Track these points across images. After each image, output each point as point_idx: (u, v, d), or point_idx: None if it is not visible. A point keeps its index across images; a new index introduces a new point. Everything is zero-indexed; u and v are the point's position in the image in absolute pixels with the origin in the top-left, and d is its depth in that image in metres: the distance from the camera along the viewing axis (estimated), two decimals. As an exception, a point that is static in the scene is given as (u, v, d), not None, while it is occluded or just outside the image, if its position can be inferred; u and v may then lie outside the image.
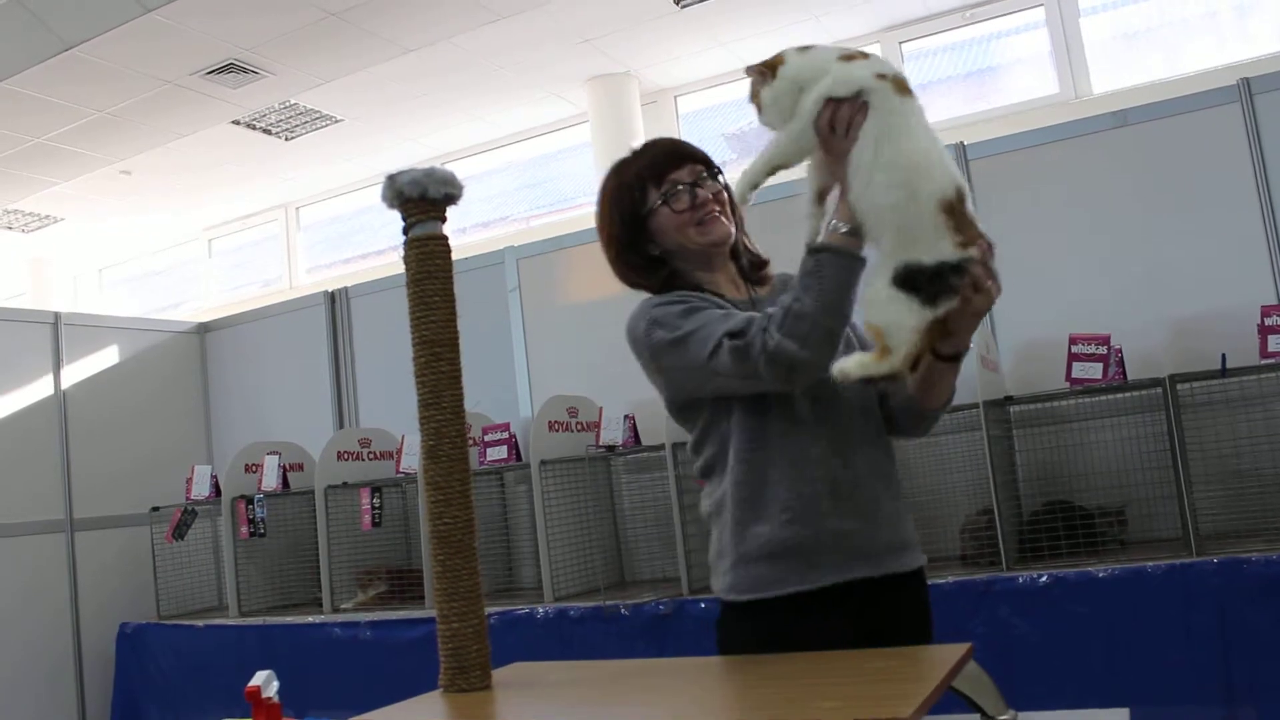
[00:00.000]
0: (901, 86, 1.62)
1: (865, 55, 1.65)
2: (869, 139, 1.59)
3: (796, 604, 1.74)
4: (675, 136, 1.96)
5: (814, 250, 1.66)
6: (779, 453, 1.78)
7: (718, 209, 1.88)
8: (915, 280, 1.56)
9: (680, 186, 1.86)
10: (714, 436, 1.84)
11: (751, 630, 1.78)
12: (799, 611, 1.74)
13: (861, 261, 1.65)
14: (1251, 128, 3.62)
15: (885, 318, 1.57)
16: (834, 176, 1.67)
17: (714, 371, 1.72)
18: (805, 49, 1.68)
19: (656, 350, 1.80)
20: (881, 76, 1.61)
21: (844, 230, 1.65)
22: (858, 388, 1.81)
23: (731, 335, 1.69)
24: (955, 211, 1.56)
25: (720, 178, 1.91)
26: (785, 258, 1.89)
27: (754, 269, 1.97)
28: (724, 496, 1.82)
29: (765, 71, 1.67)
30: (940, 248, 1.56)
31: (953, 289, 1.57)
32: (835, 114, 1.61)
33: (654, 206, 1.87)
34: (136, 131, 7.84)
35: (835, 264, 1.64)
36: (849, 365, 1.61)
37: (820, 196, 1.69)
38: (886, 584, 1.80)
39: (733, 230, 1.90)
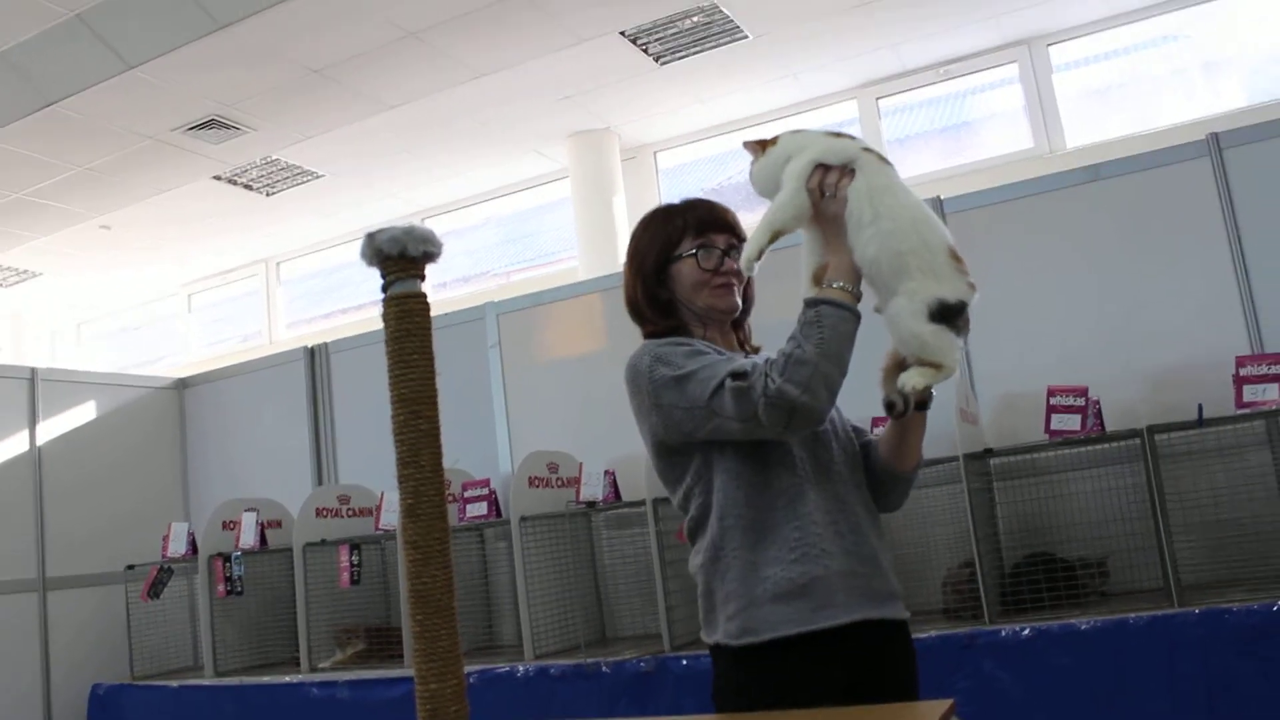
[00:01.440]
0: (883, 159, 1.78)
1: (852, 136, 1.81)
2: (862, 197, 1.72)
3: (806, 645, 1.74)
4: (720, 203, 2.02)
5: (812, 303, 1.73)
6: (778, 497, 1.79)
7: (736, 282, 1.95)
8: (946, 314, 1.69)
9: (714, 249, 1.93)
10: (703, 487, 1.84)
11: (756, 675, 1.76)
12: (806, 654, 1.74)
13: (858, 316, 1.73)
14: (1221, 182, 3.68)
15: (938, 341, 1.69)
16: (825, 242, 1.78)
17: (714, 412, 1.74)
18: (797, 131, 1.84)
19: (658, 386, 1.81)
20: (867, 150, 1.78)
21: (840, 286, 1.73)
22: (844, 437, 1.90)
23: (735, 376, 1.72)
24: (957, 256, 1.72)
25: None
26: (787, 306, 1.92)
27: (750, 347, 2.03)
28: (723, 544, 1.81)
29: (760, 146, 1.84)
30: (958, 287, 1.70)
31: (967, 323, 1.72)
32: (824, 177, 1.75)
33: (684, 254, 1.93)
34: (117, 186, 7.85)
35: (834, 315, 1.70)
36: (911, 379, 1.70)
37: (817, 278, 1.78)
38: (885, 629, 1.81)
39: (739, 304, 1.97)
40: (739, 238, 1.97)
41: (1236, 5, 6.97)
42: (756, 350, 2.03)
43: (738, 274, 1.93)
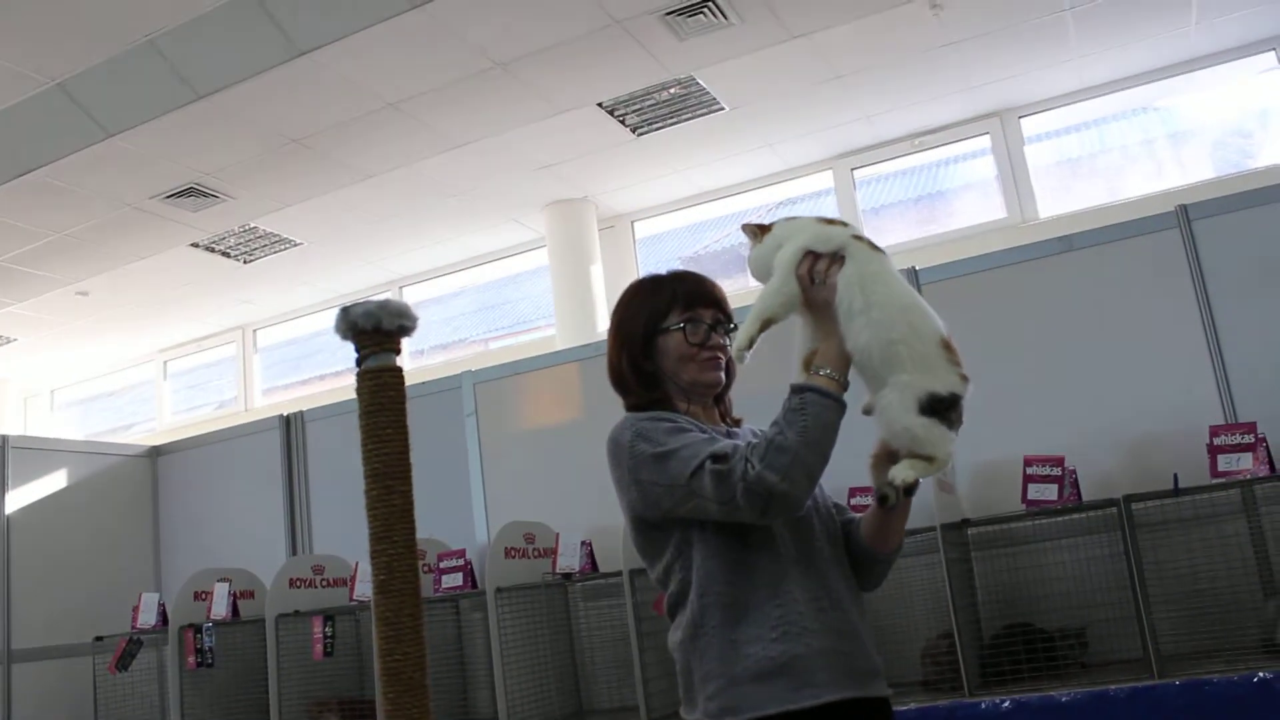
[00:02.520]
0: (874, 246, 1.78)
1: (844, 223, 1.82)
2: (853, 285, 1.73)
3: None
4: (708, 277, 2.03)
5: (798, 389, 1.73)
6: (760, 574, 1.77)
7: (720, 357, 1.95)
8: (938, 407, 1.69)
9: (701, 323, 1.93)
10: (683, 563, 1.82)
11: None
12: None
13: (843, 406, 1.73)
14: (1191, 253, 3.74)
15: (929, 435, 1.68)
16: (815, 328, 1.79)
17: (693, 492, 1.73)
18: (790, 218, 1.86)
19: (638, 463, 1.80)
20: (857, 238, 1.78)
21: (826, 373, 1.73)
22: (825, 513, 1.90)
23: (715, 459, 1.71)
24: (950, 346, 1.72)
25: (732, 336, 1.97)
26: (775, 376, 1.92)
27: (731, 420, 2.03)
28: (703, 621, 1.79)
29: (757, 231, 1.87)
30: (950, 379, 1.70)
31: (960, 416, 1.72)
32: (814, 264, 1.77)
33: (671, 327, 1.93)
34: (95, 253, 7.83)
35: (819, 404, 1.70)
36: (902, 471, 1.70)
37: (806, 364, 1.78)
38: (867, 707, 1.79)
39: (724, 379, 1.96)
40: (725, 313, 1.97)
41: (1202, 79, 7.12)
42: (737, 423, 2.02)
43: (723, 349, 1.94)
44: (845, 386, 1.74)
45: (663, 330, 1.94)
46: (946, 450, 1.70)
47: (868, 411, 1.78)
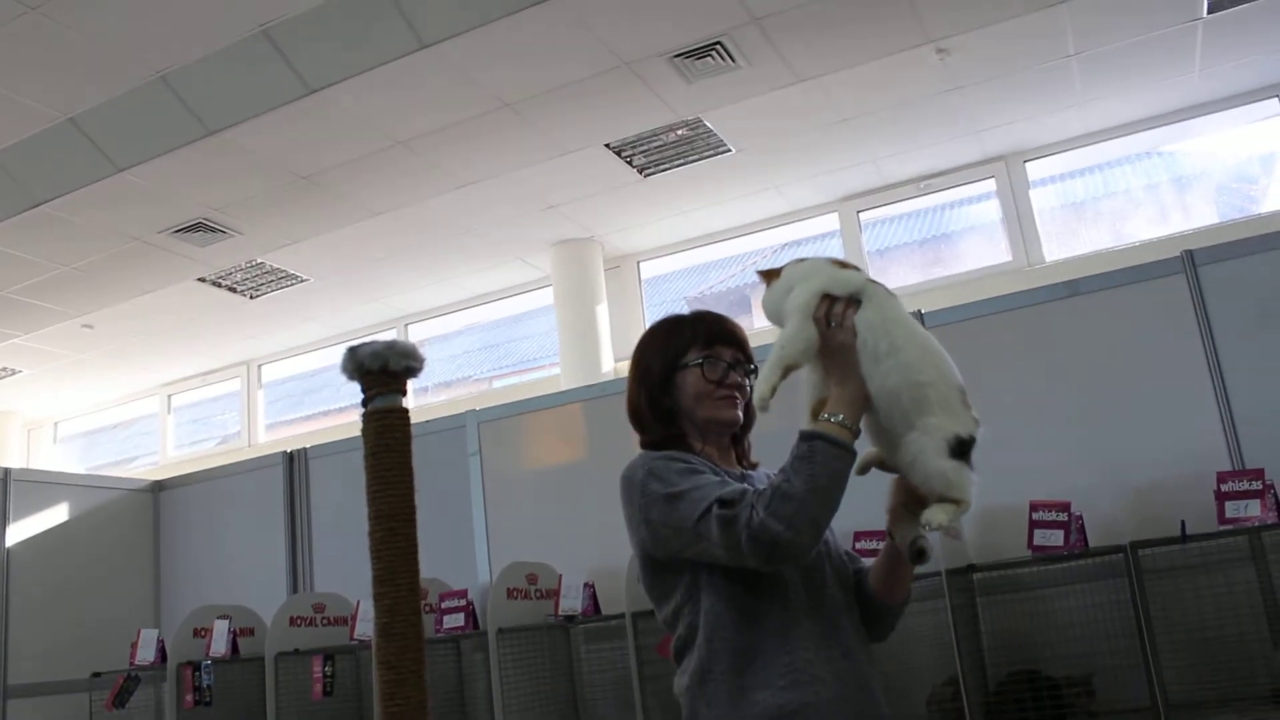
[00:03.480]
0: (889, 292, 1.78)
1: (856, 267, 1.81)
2: (875, 328, 1.71)
3: None
4: (728, 317, 2.02)
5: (807, 436, 1.70)
6: (769, 620, 1.76)
7: (738, 396, 1.94)
8: (963, 450, 1.68)
9: (720, 361, 1.93)
10: (692, 606, 1.81)
11: None
12: None
13: (853, 454, 1.70)
14: (1197, 298, 3.73)
15: (959, 478, 1.68)
16: (829, 373, 1.76)
17: (700, 535, 1.72)
18: (801, 260, 1.84)
19: (649, 502, 1.79)
20: (873, 282, 1.77)
21: (838, 420, 1.70)
22: (837, 558, 1.89)
23: (722, 503, 1.70)
24: (964, 391, 1.73)
25: (752, 376, 1.96)
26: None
27: (749, 464, 2.01)
28: (710, 666, 1.77)
29: (771, 275, 1.84)
30: (968, 422, 1.70)
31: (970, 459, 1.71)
32: (830, 308, 1.74)
33: (690, 364, 1.93)
34: (102, 286, 7.85)
35: (828, 452, 1.67)
36: (936, 515, 1.69)
37: (816, 411, 1.75)
38: None
39: (740, 418, 1.95)
40: (745, 353, 1.96)
41: (1206, 125, 7.16)
42: (754, 466, 2.01)
43: (741, 388, 1.93)
44: (856, 434, 1.72)
45: (681, 366, 1.93)
46: (972, 493, 1.70)
47: (863, 471, 1.76)
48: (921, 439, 1.68)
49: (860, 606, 1.90)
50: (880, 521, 1.85)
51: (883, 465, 1.80)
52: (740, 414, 1.95)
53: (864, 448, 1.77)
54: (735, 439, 1.99)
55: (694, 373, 1.92)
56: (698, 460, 1.85)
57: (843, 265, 1.80)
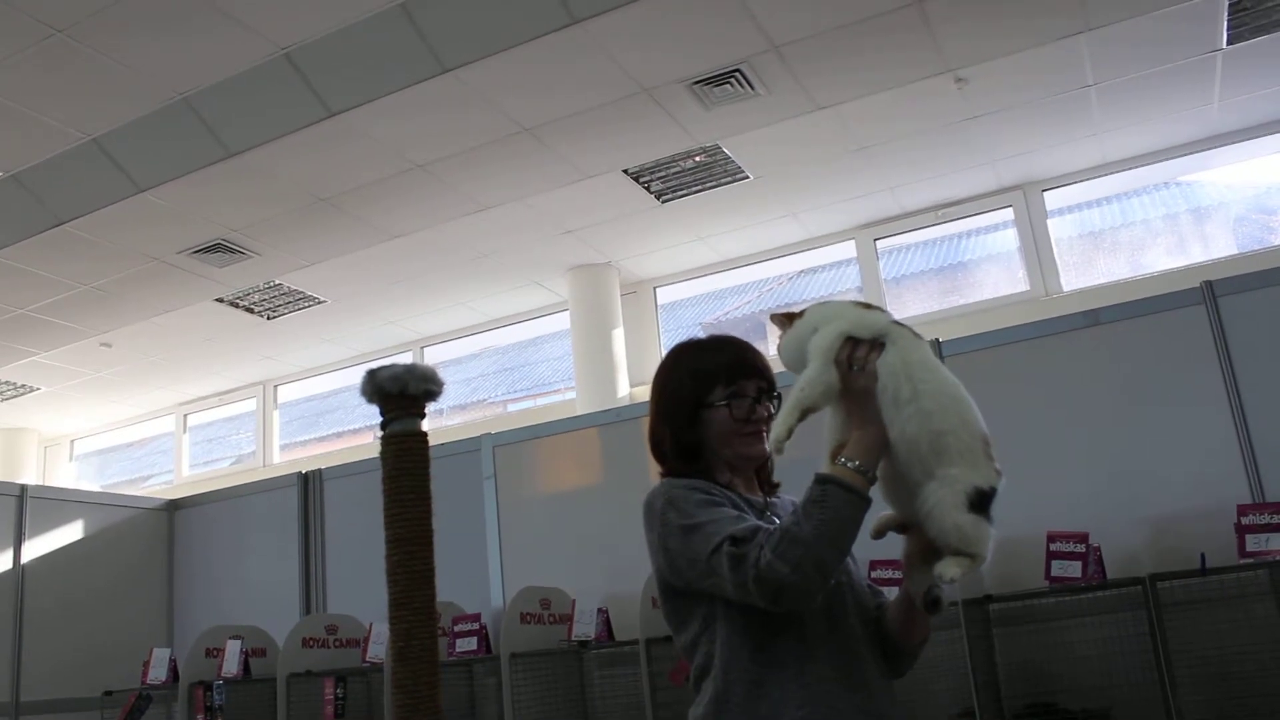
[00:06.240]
0: (916, 335, 1.73)
1: (880, 309, 1.77)
2: (897, 372, 1.67)
3: None
4: (749, 344, 1.99)
5: (822, 480, 1.67)
6: (786, 653, 1.74)
7: (765, 431, 1.90)
8: (982, 503, 1.63)
9: (746, 398, 1.89)
10: (709, 636, 1.79)
11: None
12: None
13: (867, 501, 1.67)
14: (1217, 329, 3.71)
15: (977, 533, 1.63)
16: (850, 416, 1.72)
17: (711, 570, 1.70)
18: (824, 303, 1.80)
19: (667, 531, 1.79)
20: (897, 324, 1.73)
21: (854, 466, 1.67)
22: (860, 589, 1.86)
23: (734, 541, 1.68)
24: (988, 440, 1.67)
25: (776, 402, 1.93)
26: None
27: (771, 487, 1.98)
28: (727, 698, 1.75)
29: (787, 319, 1.80)
30: (989, 473, 1.64)
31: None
32: (853, 351, 1.70)
33: (716, 403, 1.89)
34: (121, 305, 7.90)
35: (840, 498, 1.65)
36: (949, 569, 1.64)
37: (834, 455, 1.71)
38: None
39: (768, 451, 1.91)
40: (769, 382, 1.93)
41: (1225, 155, 7.15)
42: (776, 488, 1.99)
43: (767, 421, 1.89)
44: (872, 481, 1.68)
45: (707, 405, 1.89)
46: (988, 548, 1.64)
47: (879, 535, 1.74)
48: (940, 490, 1.64)
49: (879, 641, 1.88)
50: (895, 550, 1.83)
51: (900, 529, 1.77)
52: (768, 447, 1.90)
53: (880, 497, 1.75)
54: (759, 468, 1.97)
55: (721, 412, 1.88)
56: (719, 491, 1.83)
57: (867, 307, 1.76)
